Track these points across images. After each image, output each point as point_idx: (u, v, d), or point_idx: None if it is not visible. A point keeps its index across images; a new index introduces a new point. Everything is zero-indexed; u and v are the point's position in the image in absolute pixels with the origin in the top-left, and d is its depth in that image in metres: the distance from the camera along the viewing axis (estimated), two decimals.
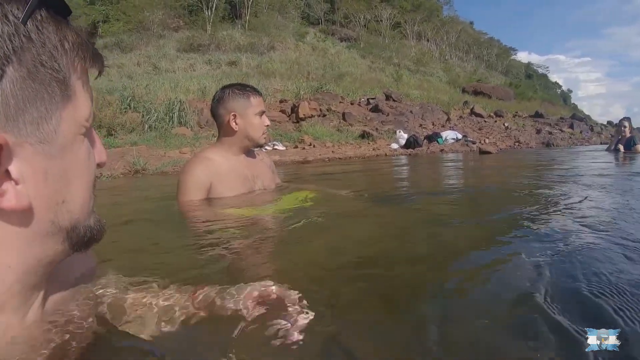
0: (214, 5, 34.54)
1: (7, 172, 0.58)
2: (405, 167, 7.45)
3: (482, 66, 51.23)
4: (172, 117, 14.26)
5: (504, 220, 2.16)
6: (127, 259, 1.54)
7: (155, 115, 13.95)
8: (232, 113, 2.57)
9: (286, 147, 12.65)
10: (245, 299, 0.93)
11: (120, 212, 3.11)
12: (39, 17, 0.58)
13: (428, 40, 47.21)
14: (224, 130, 2.64)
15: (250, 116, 2.59)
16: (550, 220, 2.09)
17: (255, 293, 0.95)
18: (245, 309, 0.92)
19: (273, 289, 0.96)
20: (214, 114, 2.67)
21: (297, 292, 0.96)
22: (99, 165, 0.75)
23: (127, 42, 29.83)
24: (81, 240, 0.71)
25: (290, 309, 0.91)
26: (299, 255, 1.57)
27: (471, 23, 65.36)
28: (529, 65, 70.06)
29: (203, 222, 2.16)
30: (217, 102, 2.64)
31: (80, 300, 0.86)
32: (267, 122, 2.68)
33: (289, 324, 0.88)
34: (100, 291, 0.94)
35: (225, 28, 33.21)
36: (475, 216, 2.54)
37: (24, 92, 0.57)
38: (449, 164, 8.30)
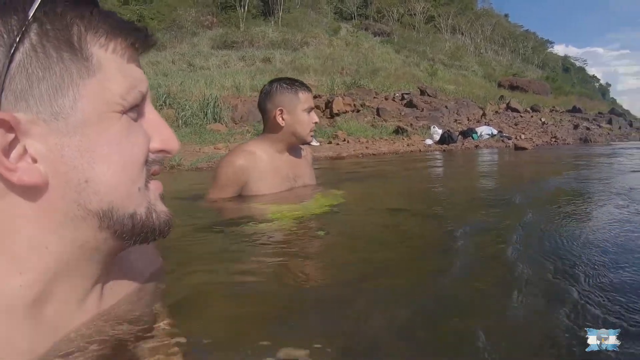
0: (247, 3, 34.91)
1: (25, 149, 0.60)
2: (439, 167, 7.34)
3: (518, 60, 50.36)
4: (207, 113, 14.47)
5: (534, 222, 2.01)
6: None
7: (190, 111, 14.20)
8: (279, 108, 2.48)
9: (320, 142, 12.65)
10: None
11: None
12: (49, 5, 0.60)
13: (462, 34, 46.61)
14: (270, 126, 2.55)
15: (298, 112, 2.49)
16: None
17: None
18: None
19: None
20: (261, 108, 2.59)
21: None
22: (167, 152, 0.75)
23: (161, 40, 30.29)
24: (129, 230, 0.70)
25: None
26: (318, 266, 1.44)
27: (506, 16, 64.37)
28: (566, 58, 68.58)
29: (231, 221, 2.04)
30: (265, 96, 2.56)
31: (146, 299, 0.89)
32: (316, 119, 2.59)
33: None
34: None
35: (258, 24, 33.55)
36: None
37: (31, 70, 0.59)
38: (484, 161, 8.09)
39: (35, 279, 0.63)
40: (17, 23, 0.58)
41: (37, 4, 0.59)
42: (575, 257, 1.42)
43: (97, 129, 0.64)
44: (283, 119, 2.48)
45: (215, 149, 10.82)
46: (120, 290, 0.84)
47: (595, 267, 1.32)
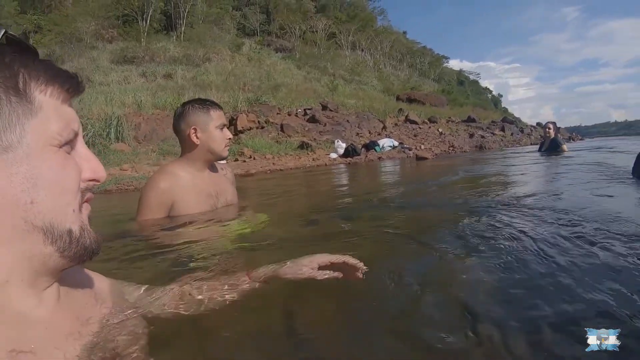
0: (149, 16, 33.84)
1: None
2: (345, 178, 7.53)
3: (416, 74, 52.48)
4: (110, 133, 13.97)
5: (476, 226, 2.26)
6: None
7: (92, 130, 13.58)
8: (193, 127, 2.57)
9: (227, 160, 12.37)
10: (310, 264, 1.21)
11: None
12: (0, 55, 0.72)
13: (362, 50, 47.95)
14: (186, 145, 2.64)
15: (211, 129, 2.59)
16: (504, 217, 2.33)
17: (327, 259, 1.24)
18: (312, 271, 1.21)
19: (339, 256, 1.25)
20: (176, 129, 2.67)
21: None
22: (96, 181, 0.85)
23: (59, 53, 28.49)
24: (67, 245, 0.78)
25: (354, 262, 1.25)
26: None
27: (404, 33, 66.84)
28: (460, 72, 72.19)
29: (167, 240, 2.17)
30: (178, 117, 2.64)
31: (108, 302, 1.00)
32: (229, 135, 2.69)
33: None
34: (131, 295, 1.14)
35: (160, 39, 32.50)
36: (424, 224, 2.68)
37: None
38: (388, 171, 8.47)
39: None
40: None
41: None
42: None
43: (39, 159, 0.74)
44: (197, 137, 2.59)
45: (121, 170, 10.65)
46: (73, 302, 0.90)
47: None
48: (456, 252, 1.69)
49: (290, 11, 44.51)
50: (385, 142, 15.47)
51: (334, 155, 13.82)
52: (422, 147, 16.41)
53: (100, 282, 1.06)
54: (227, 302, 1.19)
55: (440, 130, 21.30)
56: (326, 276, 1.22)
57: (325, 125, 18.57)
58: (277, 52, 37.92)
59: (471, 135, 21.01)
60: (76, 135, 0.82)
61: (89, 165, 0.84)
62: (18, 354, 0.70)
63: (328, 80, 31.75)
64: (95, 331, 0.88)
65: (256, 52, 34.68)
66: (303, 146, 15.17)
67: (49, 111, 0.76)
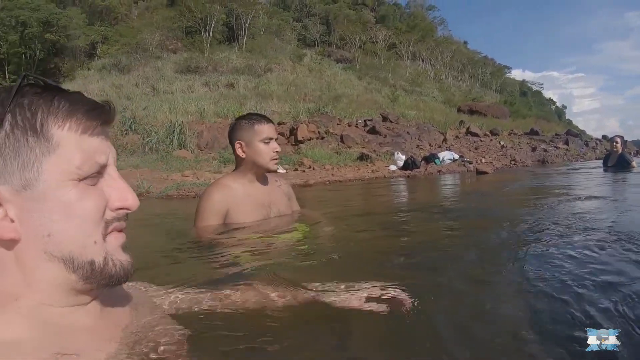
0: (212, 28, 34.94)
1: (5, 213, 0.75)
2: (404, 191, 7.48)
3: (477, 85, 51.42)
4: (173, 140, 14.41)
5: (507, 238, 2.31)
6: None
7: (156, 137, 14.14)
8: (238, 141, 2.71)
9: (286, 169, 12.69)
10: (359, 299, 1.24)
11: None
12: (20, 98, 0.76)
13: (423, 61, 47.52)
14: (236, 159, 2.79)
15: (255, 143, 2.68)
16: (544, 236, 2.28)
17: (377, 292, 1.27)
18: (359, 303, 1.23)
19: (389, 290, 1.28)
20: (230, 143, 2.82)
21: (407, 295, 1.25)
22: (126, 209, 0.87)
23: (125, 63, 30.15)
24: (90, 275, 0.81)
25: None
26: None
27: (465, 42, 65.87)
28: (523, 82, 70.13)
29: (221, 246, 2.33)
30: (229, 132, 2.80)
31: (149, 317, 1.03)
32: (277, 148, 2.75)
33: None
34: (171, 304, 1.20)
35: (222, 50, 33.56)
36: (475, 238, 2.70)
37: (6, 152, 0.74)
38: (448, 185, 8.34)
39: (30, 305, 0.78)
40: None
41: (11, 100, 0.75)
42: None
43: (57, 194, 0.77)
44: (243, 152, 2.71)
45: (183, 176, 10.85)
46: (113, 310, 0.95)
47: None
48: (515, 284, 1.55)
49: (350, 22, 44.90)
50: (446, 155, 15.20)
51: (393, 168, 13.71)
52: (483, 160, 16.02)
53: (136, 290, 1.13)
54: (258, 313, 1.22)
55: (501, 143, 20.74)
56: (372, 309, 1.22)
57: (385, 136, 18.48)
58: (337, 63, 38.19)
59: (534, 149, 20.35)
60: (103, 165, 0.83)
61: (118, 194, 0.85)
62: (62, 356, 0.74)
63: (389, 91, 31.73)
64: (133, 335, 0.92)
65: (317, 62, 35.19)
66: (362, 157, 15.09)
67: (69, 146, 0.78)
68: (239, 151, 2.72)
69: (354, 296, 1.25)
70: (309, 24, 43.94)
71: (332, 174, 12.22)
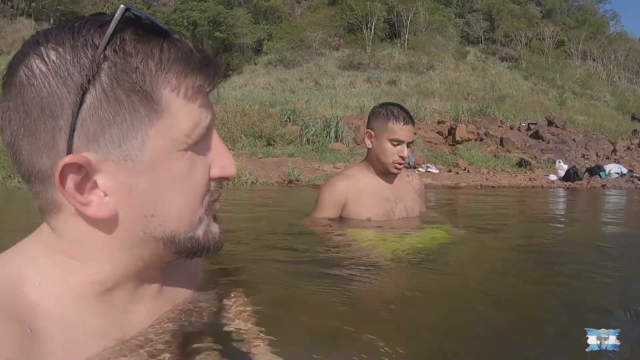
0: (373, 25, 36.02)
1: (96, 184, 0.66)
2: (564, 206, 6.47)
3: None
4: (329, 132, 14.97)
5: None
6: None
7: (314, 129, 14.86)
8: (369, 130, 2.57)
9: (440, 170, 12.64)
10: None
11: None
12: (118, 42, 0.62)
13: (594, 60, 43.87)
14: (366, 146, 2.66)
15: (383, 140, 2.49)
16: None
17: None
18: None
19: None
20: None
21: None
22: (225, 179, 0.79)
23: (289, 58, 32.53)
24: (188, 249, 0.76)
25: None
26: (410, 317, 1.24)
27: None
28: None
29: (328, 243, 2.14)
30: (369, 116, 2.65)
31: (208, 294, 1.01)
32: (403, 154, 2.48)
33: None
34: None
35: (384, 47, 34.48)
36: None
37: (103, 115, 0.62)
38: (612, 202, 7.24)
39: (103, 280, 0.72)
40: (88, 62, 0.61)
41: (107, 40, 0.61)
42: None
43: (162, 167, 0.68)
44: (370, 142, 2.57)
45: (334, 167, 11.33)
46: (171, 289, 0.91)
47: None
48: None
49: (514, 17, 43.15)
50: (613, 168, 13.90)
51: (553, 177, 13.01)
52: None
53: (196, 266, 1.06)
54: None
55: None
56: None
57: (548, 142, 17.59)
58: (502, 61, 37.15)
59: None
60: (208, 130, 0.73)
61: (219, 161, 0.76)
62: (125, 342, 0.74)
63: (556, 93, 30.00)
64: (189, 313, 0.89)
65: (481, 60, 34.62)
66: (522, 164, 14.51)
67: (177, 110, 0.67)
68: (367, 140, 2.58)
69: None
70: (471, 20, 43.19)
71: (487, 179, 11.88)
